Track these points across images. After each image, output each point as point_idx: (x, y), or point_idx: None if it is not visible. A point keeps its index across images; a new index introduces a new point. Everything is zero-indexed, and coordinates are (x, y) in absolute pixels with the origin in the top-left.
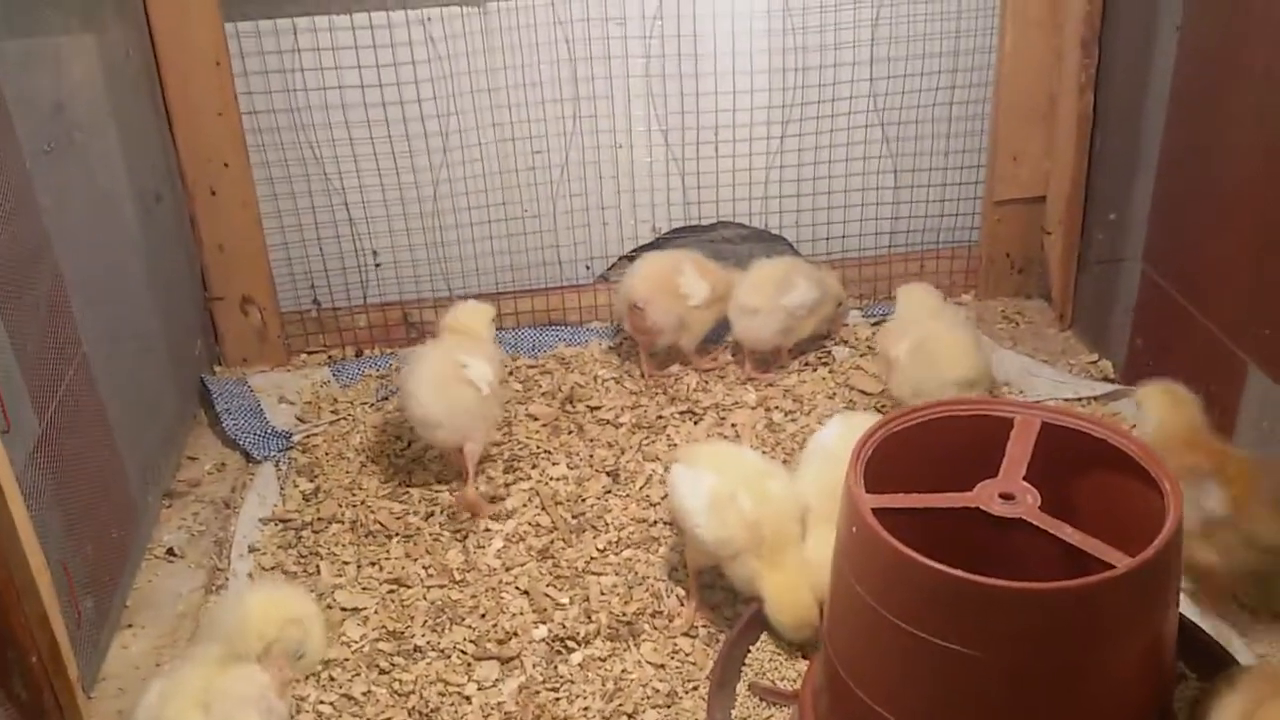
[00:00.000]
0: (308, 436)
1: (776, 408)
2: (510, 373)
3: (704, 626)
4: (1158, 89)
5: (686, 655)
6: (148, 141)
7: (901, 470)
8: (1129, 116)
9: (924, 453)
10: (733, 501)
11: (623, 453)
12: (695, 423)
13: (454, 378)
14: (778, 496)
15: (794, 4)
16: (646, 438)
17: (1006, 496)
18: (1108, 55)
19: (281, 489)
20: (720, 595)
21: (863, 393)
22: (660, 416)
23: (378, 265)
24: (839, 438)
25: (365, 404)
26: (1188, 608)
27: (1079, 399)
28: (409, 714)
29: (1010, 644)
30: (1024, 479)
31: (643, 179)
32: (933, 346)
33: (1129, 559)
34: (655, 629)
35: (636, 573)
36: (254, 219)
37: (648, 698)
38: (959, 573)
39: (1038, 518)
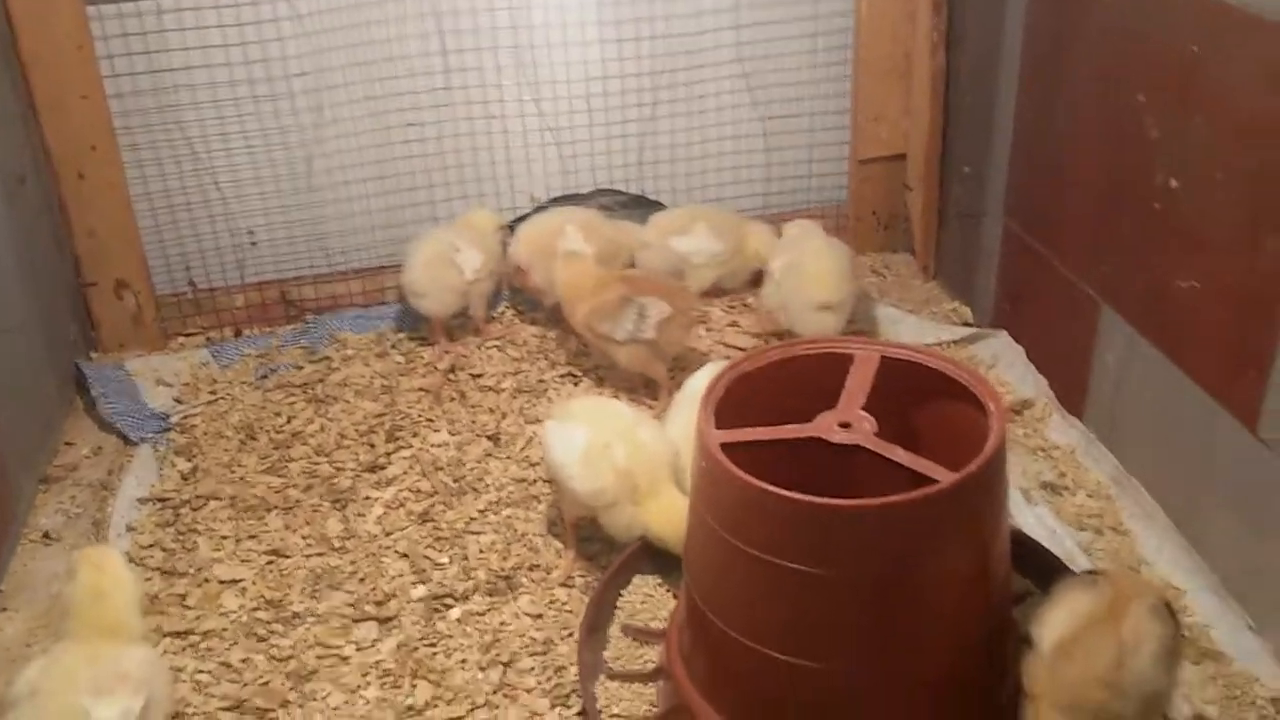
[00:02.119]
0: (186, 417)
1: None
2: (392, 345)
3: (581, 576)
4: (1010, 48)
5: (564, 605)
6: (9, 126)
7: (752, 409)
8: (983, 75)
9: (772, 392)
10: (606, 452)
11: (504, 417)
12: (575, 384)
13: (445, 258)
14: (649, 444)
15: None
16: (528, 401)
17: (845, 426)
18: (960, 15)
19: (160, 469)
20: (597, 546)
21: (739, 349)
22: (541, 380)
23: (253, 244)
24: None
25: (245, 383)
26: (1040, 531)
27: (939, 343)
28: (287, 678)
29: (847, 560)
30: (865, 410)
31: (518, 149)
32: (804, 267)
33: (953, 474)
34: (533, 582)
35: (515, 530)
36: (124, 202)
37: (525, 646)
38: (795, 495)
39: (872, 443)
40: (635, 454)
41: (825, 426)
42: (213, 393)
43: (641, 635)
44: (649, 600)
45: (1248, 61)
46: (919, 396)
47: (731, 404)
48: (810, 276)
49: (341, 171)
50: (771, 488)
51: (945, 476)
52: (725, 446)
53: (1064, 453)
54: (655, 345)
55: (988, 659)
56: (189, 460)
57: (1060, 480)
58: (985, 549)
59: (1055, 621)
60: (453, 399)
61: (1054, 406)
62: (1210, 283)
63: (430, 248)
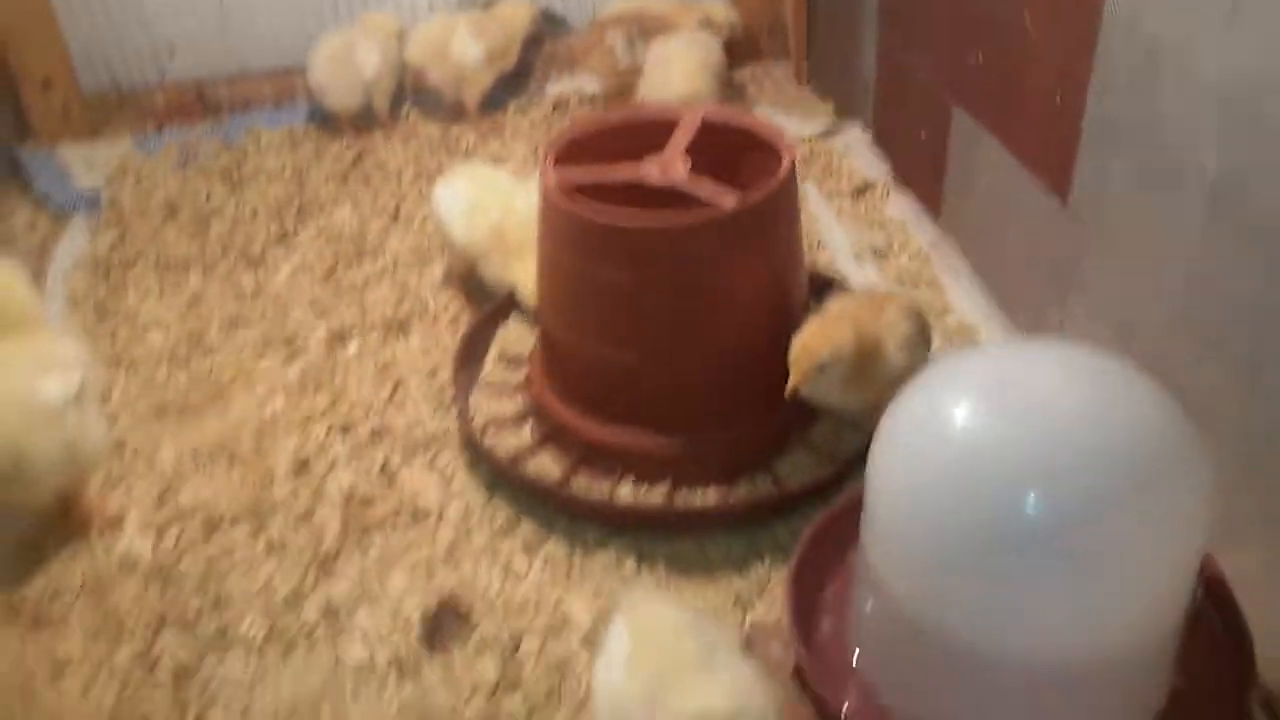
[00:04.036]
0: (113, 196)
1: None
2: (304, 137)
3: (466, 322)
4: None
5: (449, 345)
6: None
7: (588, 159)
8: None
9: (608, 149)
10: (483, 208)
11: (404, 198)
12: None
13: (345, 57)
14: (521, 208)
15: None
16: (427, 184)
17: (664, 171)
18: None
19: (92, 239)
20: (483, 297)
21: None
22: (441, 167)
23: (172, 52)
24: None
25: (167, 169)
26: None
27: (803, 138)
28: (206, 392)
29: (648, 271)
30: (686, 162)
31: None
32: (669, 61)
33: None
34: (423, 326)
35: (409, 287)
36: (45, 3)
37: (413, 372)
38: (606, 218)
39: (683, 183)
40: (508, 215)
41: (645, 171)
42: (138, 176)
43: (513, 361)
44: (522, 337)
45: None
46: (732, 151)
47: (571, 154)
48: (675, 69)
49: None
50: (588, 212)
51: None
52: (561, 186)
53: (895, 225)
54: None
55: (778, 360)
56: (118, 230)
57: (887, 246)
58: (774, 266)
59: (825, 308)
60: (358, 182)
61: (891, 187)
62: (1035, 80)
63: (331, 47)
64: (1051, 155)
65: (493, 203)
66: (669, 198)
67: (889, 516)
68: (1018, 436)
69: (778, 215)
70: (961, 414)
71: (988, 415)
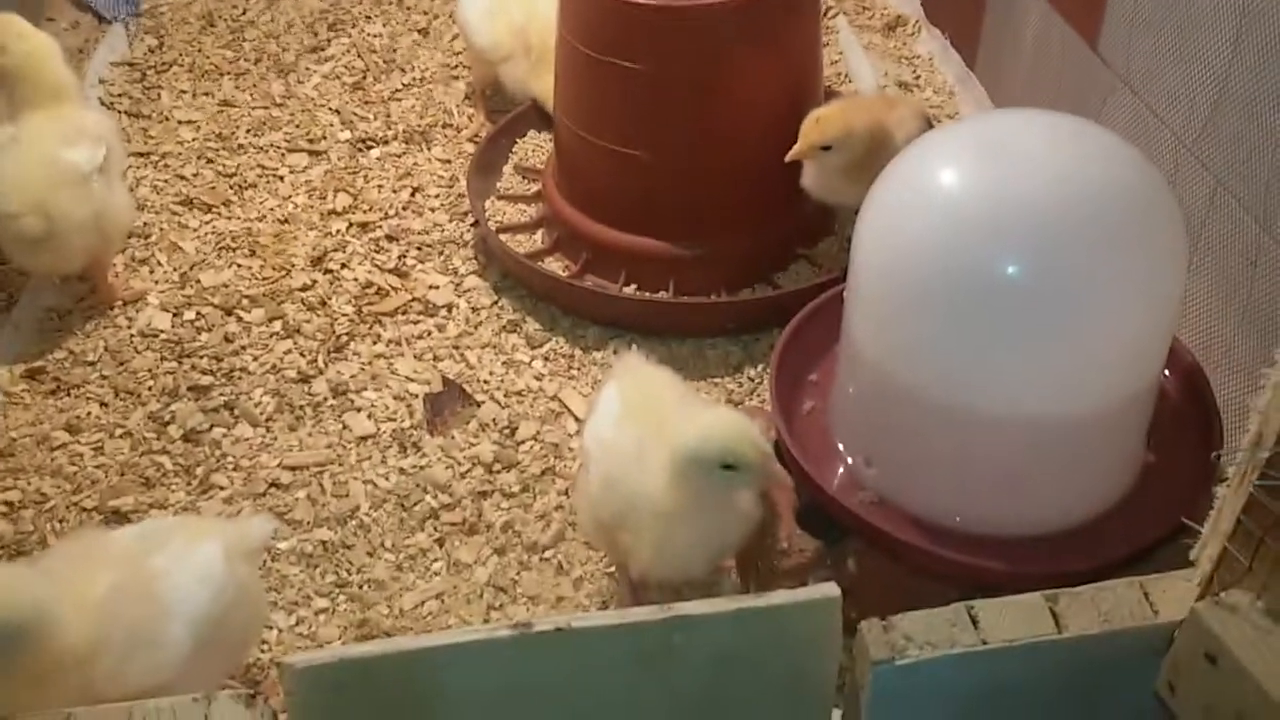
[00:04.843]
0: (154, 3)
1: None
2: None
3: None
4: None
5: (470, 155)
6: None
7: None
8: None
9: None
10: (505, 11)
11: (436, 17)
12: None
13: None
14: (544, 11)
15: None
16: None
17: None
18: None
19: (129, 44)
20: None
21: None
22: None
23: None
24: None
25: None
26: None
27: None
28: (230, 186)
29: (666, 58)
30: None
31: None
32: None
33: None
34: (445, 137)
35: (434, 99)
36: None
37: (433, 180)
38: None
39: None
40: (531, 19)
41: None
42: None
43: (528, 172)
44: (539, 148)
45: None
46: None
47: None
48: None
49: None
50: None
51: None
52: None
53: (923, 61)
54: None
55: (788, 170)
56: (156, 38)
57: (915, 80)
58: (791, 66)
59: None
60: (389, 2)
61: (924, 24)
62: None
63: None
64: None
65: (516, 4)
66: None
67: (872, 278)
68: (999, 195)
69: (796, 10)
70: (948, 175)
71: (972, 175)
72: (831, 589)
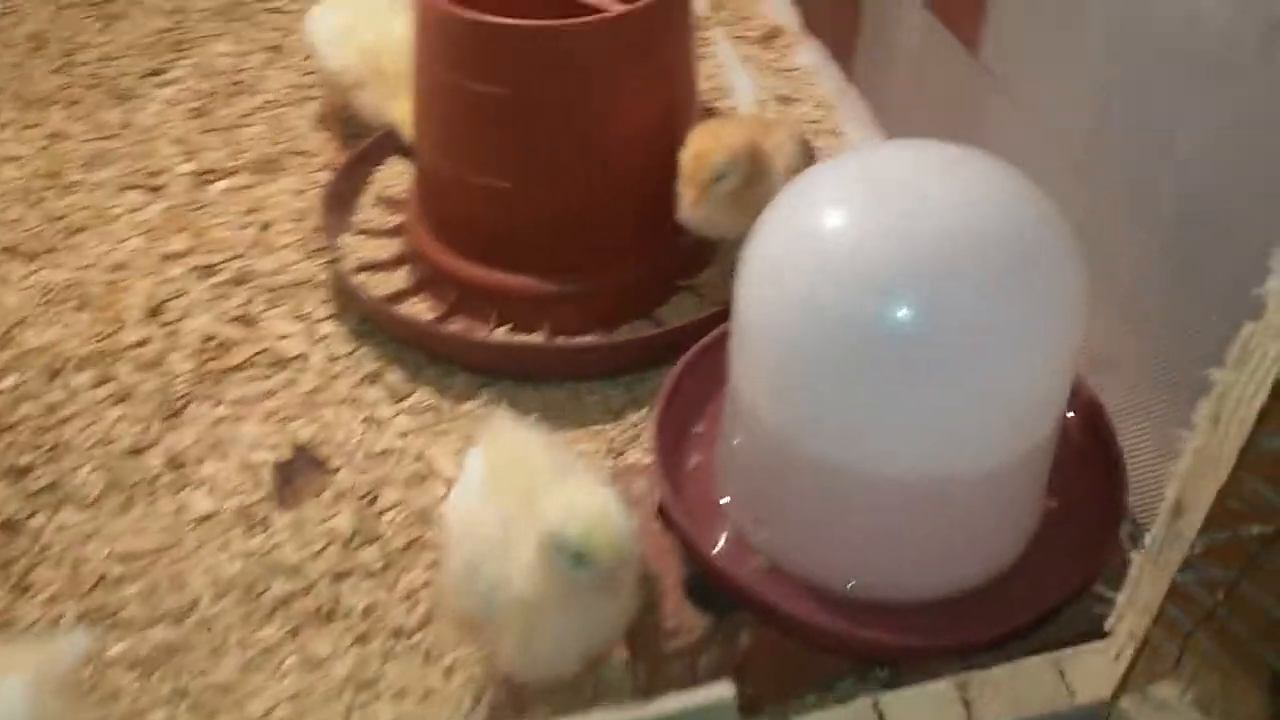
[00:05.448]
0: None
1: None
2: None
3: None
4: None
5: (323, 183)
6: None
7: None
8: None
9: None
10: (354, 33)
11: (290, 34)
12: None
13: None
14: (400, 34)
15: None
16: None
17: None
18: None
19: None
20: (363, 137)
21: None
22: None
23: None
24: None
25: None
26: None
27: None
28: (58, 231)
29: (529, 81)
30: None
31: None
32: None
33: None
34: (298, 165)
35: (285, 124)
36: None
37: (285, 215)
38: (481, 17)
39: None
40: (384, 40)
41: None
42: (6, 7)
43: (390, 203)
44: (401, 175)
45: None
46: None
47: None
48: None
49: None
50: (463, 12)
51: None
52: None
53: (802, 73)
54: None
55: (665, 196)
56: None
57: (794, 94)
58: (663, 86)
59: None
60: (238, 19)
61: (801, 36)
62: None
63: None
64: (964, 4)
65: (367, 26)
66: (555, 8)
67: (754, 331)
68: (885, 241)
69: (670, 26)
70: (831, 218)
71: (857, 219)
72: (725, 691)
